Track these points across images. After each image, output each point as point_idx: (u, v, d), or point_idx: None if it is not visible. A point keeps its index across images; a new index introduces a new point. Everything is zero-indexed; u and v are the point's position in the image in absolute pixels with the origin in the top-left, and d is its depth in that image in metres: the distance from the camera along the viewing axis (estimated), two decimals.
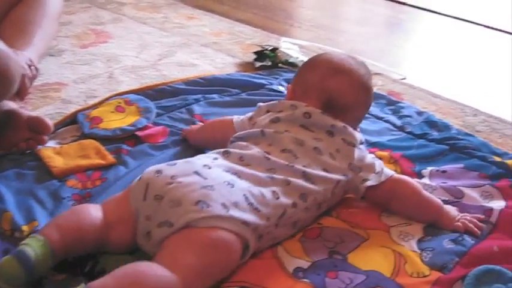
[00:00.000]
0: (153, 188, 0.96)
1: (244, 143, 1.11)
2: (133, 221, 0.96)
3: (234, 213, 0.93)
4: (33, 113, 1.32)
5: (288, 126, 1.13)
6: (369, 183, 1.09)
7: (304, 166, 1.05)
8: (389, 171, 1.13)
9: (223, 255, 0.91)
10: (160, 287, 0.85)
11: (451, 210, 1.11)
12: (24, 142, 1.26)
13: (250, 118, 1.21)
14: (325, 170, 1.07)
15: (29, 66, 1.44)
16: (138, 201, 0.96)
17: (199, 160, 1.05)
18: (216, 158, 1.06)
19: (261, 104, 1.22)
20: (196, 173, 0.98)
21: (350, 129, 1.14)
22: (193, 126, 1.36)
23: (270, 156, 1.06)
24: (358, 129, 1.21)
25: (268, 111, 1.17)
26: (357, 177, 1.10)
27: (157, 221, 0.93)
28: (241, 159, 1.06)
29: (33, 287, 0.90)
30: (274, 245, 1.02)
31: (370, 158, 1.14)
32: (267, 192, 0.99)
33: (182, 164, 1.02)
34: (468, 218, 1.09)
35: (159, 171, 0.98)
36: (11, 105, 1.31)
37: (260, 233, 0.97)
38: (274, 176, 1.03)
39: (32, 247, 0.88)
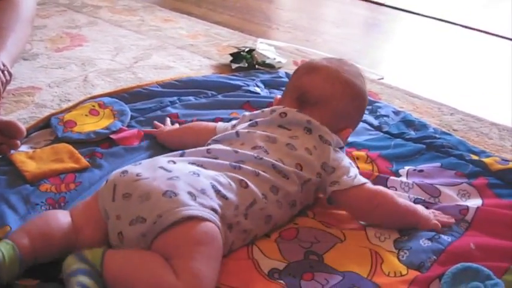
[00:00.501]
0: (120, 187, 0.95)
1: (217, 145, 1.10)
2: (102, 223, 0.95)
3: (202, 200, 0.92)
4: (6, 118, 1.30)
5: (266, 128, 1.12)
6: (337, 186, 1.07)
7: (275, 160, 1.05)
8: (363, 179, 1.09)
9: (214, 244, 0.91)
10: (159, 284, 0.85)
11: (423, 209, 1.09)
12: None
13: (233, 126, 1.20)
14: (298, 164, 1.06)
15: (2, 71, 1.42)
16: (107, 203, 0.95)
17: (165, 157, 1.05)
18: (182, 154, 1.06)
19: (245, 113, 1.22)
20: (161, 167, 0.98)
21: (326, 128, 1.13)
22: (165, 127, 1.35)
23: (238, 150, 1.06)
24: (351, 130, 1.19)
25: (250, 120, 1.17)
26: (328, 178, 1.08)
27: (128, 219, 0.92)
28: (208, 152, 1.06)
29: None
30: (249, 245, 1.01)
31: (347, 162, 1.11)
32: (234, 180, 0.99)
33: (147, 162, 1.02)
34: (437, 213, 1.10)
35: (124, 172, 0.98)
36: None
37: (229, 222, 0.96)
38: (242, 166, 1.02)
39: (0, 251, 0.86)
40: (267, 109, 1.19)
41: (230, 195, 0.97)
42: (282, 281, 0.93)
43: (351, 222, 1.09)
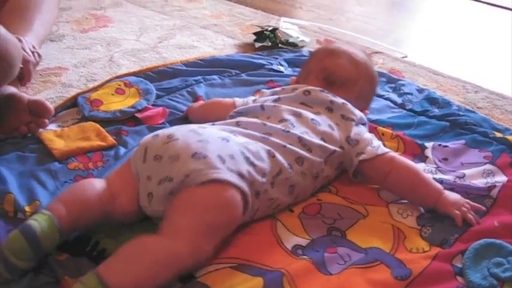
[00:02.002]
0: (151, 149, 0.97)
1: (243, 117, 1.12)
2: (135, 187, 0.97)
3: (230, 165, 0.94)
4: (34, 97, 1.32)
5: (289, 103, 1.14)
6: (363, 156, 1.09)
7: (301, 133, 1.07)
8: (386, 149, 1.11)
9: (225, 213, 0.92)
10: (163, 256, 0.85)
11: (452, 195, 1.06)
12: (25, 125, 1.26)
13: (254, 100, 1.23)
14: (322, 139, 1.08)
15: (32, 52, 1.44)
16: (139, 165, 0.98)
17: (195, 125, 1.07)
18: (213, 124, 1.09)
19: (265, 90, 1.26)
20: (192, 130, 1.00)
21: (349, 105, 1.15)
22: (194, 104, 1.37)
23: (266, 123, 1.08)
24: (367, 111, 1.24)
25: (272, 94, 1.20)
26: (353, 150, 1.10)
27: (158, 179, 0.94)
28: (238, 124, 1.09)
29: (39, 264, 0.90)
30: (273, 220, 1.03)
31: (368, 134, 1.14)
32: (262, 149, 1.01)
33: (178, 127, 1.05)
34: (468, 206, 1.05)
35: (156, 135, 1.00)
36: (12, 89, 1.31)
37: (257, 190, 0.97)
38: (270, 138, 1.04)
39: (37, 221, 0.88)
40: (287, 87, 1.22)
41: (258, 163, 0.98)
42: (306, 256, 0.95)
43: (373, 199, 1.10)
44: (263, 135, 1.04)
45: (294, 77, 1.33)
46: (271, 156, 1.01)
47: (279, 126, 1.07)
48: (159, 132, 1.02)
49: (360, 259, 0.95)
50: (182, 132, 1.00)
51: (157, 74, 1.52)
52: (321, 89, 1.17)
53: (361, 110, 1.19)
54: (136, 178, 0.98)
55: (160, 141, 0.98)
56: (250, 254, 0.95)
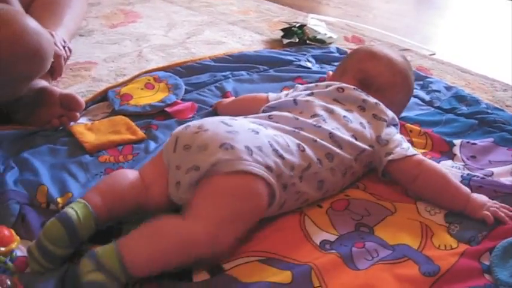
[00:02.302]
0: (182, 139, 0.99)
1: (275, 111, 1.13)
2: (167, 179, 0.99)
3: (258, 156, 0.95)
4: (65, 91, 1.35)
5: (321, 99, 1.15)
6: (392, 156, 1.08)
7: (332, 129, 1.07)
8: (415, 151, 1.11)
9: (249, 203, 0.93)
10: (180, 238, 0.87)
11: (479, 197, 1.05)
12: (57, 119, 1.29)
13: (286, 95, 1.24)
14: (353, 136, 1.08)
15: (63, 46, 1.46)
16: (169, 154, 0.99)
17: (226, 116, 1.08)
18: (245, 117, 1.10)
19: (298, 85, 1.26)
20: (222, 122, 1.01)
21: (382, 105, 1.15)
22: (224, 100, 1.38)
23: (298, 117, 1.08)
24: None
25: (305, 90, 1.21)
26: (382, 150, 1.10)
27: (186, 168, 0.95)
28: (270, 118, 1.09)
29: (74, 254, 0.92)
30: (301, 215, 1.03)
31: (399, 136, 1.14)
32: (292, 142, 1.01)
33: (209, 118, 1.07)
34: (498, 205, 1.04)
35: (187, 126, 1.01)
36: (43, 83, 1.34)
37: (284, 182, 0.98)
38: (301, 132, 1.04)
39: (73, 209, 0.90)
40: (321, 83, 1.22)
41: (287, 156, 0.99)
42: (334, 251, 0.95)
43: (401, 195, 1.10)
44: (294, 129, 1.05)
45: (330, 72, 1.33)
46: (301, 150, 1.01)
47: (310, 121, 1.08)
48: (191, 123, 1.03)
49: (388, 255, 0.95)
50: (212, 123, 1.01)
51: (186, 69, 1.54)
52: (354, 87, 1.17)
53: None
54: (167, 168, 0.99)
55: (190, 131, 0.99)
56: (278, 248, 0.96)
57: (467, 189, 1.06)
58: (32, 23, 1.20)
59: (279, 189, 0.96)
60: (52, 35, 1.40)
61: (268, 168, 0.95)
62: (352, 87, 1.17)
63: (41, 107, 1.29)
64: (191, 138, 0.98)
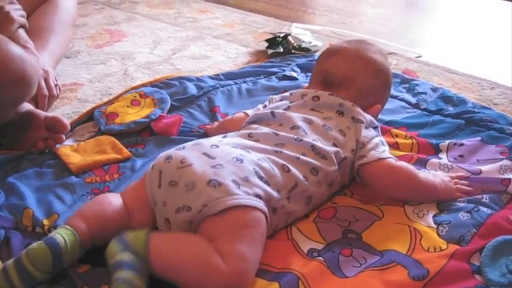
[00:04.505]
0: (166, 174, 0.97)
1: (255, 125, 1.12)
2: (151, 207, 0.98)
3: (246, 188, 0.94)
4: (51, 114, 1.35)
5: (299, 110, 1.14)
6: (363, 160, 1.08)
7: (313, 140, 1.06)
8: (389, 155, 1.10)
9: (257, 230, 0.92)
10: (208, 266, 0.86)
11: (445, 182, 1.09)
12: (43, 141, 1.28)
13: (264, 106, 1.23)
14: (334, 145, 1.08)
15: (55, 85, 1.47)
16: (154, 189, 0.98)
17: (207, 140, 1.06)
18: (224, 137, 1.09)
19: (273, 96, 1.25)
20: (205, 154, 0.99)
21: (358, 108, 1.14)
22: (212, 125, 1.36)
23: (278, 132, 1.07)
24: (379, 106, 1.21)
25: (281, 100, 1.20)
26: (357, 153, 1.09)
27: (174, 206, 0.94)
28: (250, 136, 1.08)
29: (57, 278, 0.92)
30: (288, 226, 1.03)
31: (377, 139, 1.12)
32: (275, 164, 1.00)
33: (190, 147, 1.03)
34: (458, 181, 1.11)
35: (168, 157, 0.99)
36: (28, 106, 1.34)
37: (273, 206, 0.97)
38: (283, 150, 1.03)
39: (61, 236, 0.90)
40: (296, 91, 1.21)
41: (273, 181, 0.98)
42: (321, 258, 0.95)
43: (388, 199, 1.09)
44: (275, 149, 1.04)
45: (305, 85, 1.31)
46: (286, 171, 1.00)
47: (291, 135, 1.07)
48: (172, 153, 1.00)
49: (376, 261, 0.94)
50: (195, 155, 0.98)
51: (173, 82, 1.54)
52: (329, 93, 1.16)
53: (372, 105, 1.18)
54: (152, 200, 0.98)
55: (174, 166, 0.97)
56: (267, 258, 0.95)
57: (434, 181, 1.08)
58: (15, 49, 1.20)
59: (269, 213, 0.96)
60: (47, 72, 1.42)
61: (257, 196, 0.94)
62: (327, 93, 1.16)
63: (26, 130, 1.29)
64: (176, 174, 0.96)
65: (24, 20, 1.44)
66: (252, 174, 0.96)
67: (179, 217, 0.93)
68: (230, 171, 0.95)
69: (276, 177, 0.98)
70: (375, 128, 1.16)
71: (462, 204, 1.06)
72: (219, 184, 0.92)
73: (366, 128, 1.12)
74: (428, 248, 0.97)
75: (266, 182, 0.97)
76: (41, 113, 1.32)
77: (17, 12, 1.42)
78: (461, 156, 1.22)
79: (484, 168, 1.17)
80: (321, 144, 1.06)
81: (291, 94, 1.21)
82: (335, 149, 1.07)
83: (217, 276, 0.86)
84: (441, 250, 0.96)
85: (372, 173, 1.08)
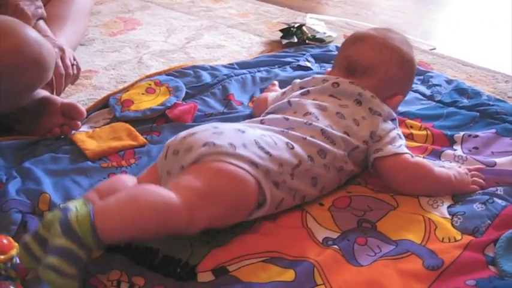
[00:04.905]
0: (171, 147, 0.99)
1: (271, 115, 1.13)
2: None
3: (241, 151, 0.95)
4: (66, 100, 1.35)
5: (317, 96, 1.15)
6: (380, 153, 1.08)
7: (324, 126, 1.06)
8: (406, 150, 1.09)
9: (231, 184, 0.92)
10: (159, 202, 0.87)
11: (461, 174, 1.09)
12: (58, 128, 1.29)
13: (283, 93, 1.24)
14: (345, 133, 1.08)
15: (72, 65, 1.47)
16: (162, 162, 1.00)
17: (218, 123, 1.09)
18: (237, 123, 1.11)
19: (296, 80, 1.24)
20: (212, 125, 1.02)
21: (378, 100, 1.14)
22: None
23: (289, 117, 1.08)
24: (401, 96, 1.20)
25: (301, 87, 1.19)
26: (373, 146, 1.09)
27: (175, 172, 0.96)
28: (262, 122, 1.10)
29: None
30: (303, 213, 1.03)
31: (395, 133, 1.12)
32: (280, 141, 1.01)
33: (201, 125, 1.06)
34: (476, 173, 1.11)
35: (177, 135, 1.02)
36: (44, 92, 1.34)
37: (275, 180, 0.97)
38: (289, 131, 1.04)
39: (73, 204, 0.86)
40: (318, 77, 1.20)
41: (274, 152, 0.98)
42: (336, 246, 0.95)
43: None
44: (283, 129, 1.05)
45: (328, 70, 1.31)
46: (290, 148, 1.01)
47: (301, 119, 1.07)
48: (182, 132, 1.03)
49: (391, 250, 0.95)
50: (201, 127, 1.02)
51: (188, 71, 1.54)
52: (350, 80, 1.16)
53: (393, 96, 1.17)
54: (160, 175, 1.00)
55: (179, 138, 1.00)
56: (281, 246, 0.96)
57: (449, 175, 1.08)
58: (32, 33, 1.21)
59: (268, 186, 0.96)
60: (63, 50, 1.42)
61: (252, 163, 0.95)
62: (348, 81, 1.15)
63: (42, 116, 1.29)
64: (179, 144, 0.98)
65: (41, 12, 1.44)
66: (252, 144, 0.97)
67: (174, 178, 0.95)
68: (229, 137, 0.97)
69: (278, 151, 0.99)
70: (393, 120, 1.15)
71: (477, 196, 1.06)
72: (214, 144, 0.94)
73: (384, 120, 1.12)
74: (443, 238, 0.98)
75: (267, 153, 0.97)
76: (58, 99, 1.33)
77: (31, 7, 1.42)
78: (475, 148, 1.22)
79: (498, 160, 1.17)
80: (331, 129, 1.06)
81: (313, 78, 1.20)
82: (346, 136, 1.07)
83: (175, 210, 0.86)
84: (456, 241, 0.97)
85: (388, 168, 1.08)
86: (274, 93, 1.28)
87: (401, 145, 1.09)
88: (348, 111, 1.11)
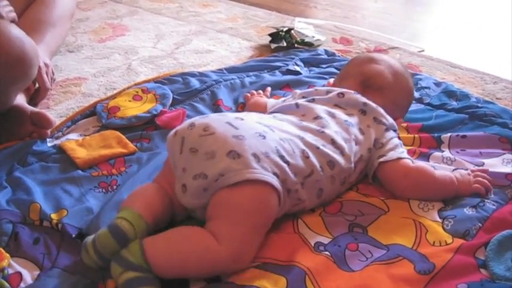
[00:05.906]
0: (188, 141, 0.98)
1: (278, 114, 1.14)
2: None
3: (265, 164, 0.95)
4: (36, 109, 1.35)
5: (323, 105, 1.16)
6: (384, 158, 1.09)
7: (334, 132, 1.07)
8: (407, 155, 1.12)
9: (263, 215, 0.95)
10: (205, 251, 0.89)
11: (463, 175, 1.11)
12: (28, 137, 1.30)
13: (284, 100, 1.25)
14: (354, 140, 1.09)
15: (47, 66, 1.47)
16: (176, 155, 0.99)
17: (232, 113, 1.09)
18: (248, 113, 1.11)
19: (296, 90, 1.27)
20: (229, 123, 1.00)
21: (382, 110, 1.16)
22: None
23: (301, 121, 1.10)
24: (401, 120, 1.25)
25: (304, 97, 1.21)
26: (376, 152, 1.11)
27: (192, 173, 0.96)
28: (274, 117, 1.10)
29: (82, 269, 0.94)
30: (294, 219, 1.03)
31: (397, 140, 1.14)
32: (297, 149, 1.01)
33: (215, 116, 1.06)
34: (479, 174, 1.11)
35: (192, 125, 1.01)
36: (17, 99, 1.34)
37: (288, 187, 0.98)
38: (305, 137, 1.04)
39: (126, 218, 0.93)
40: (321, 88, 1.23)
41: (292, 161, 0.99)
42: (327, 252, 0.95)
43: (393, 194, 1.10)
44: (298, 133, 1.05)
45: (330, 81, 1.36)
46: (306, 156, 1.01)
47: (313, 125, 1.08)
48: (195, 121, 1.02)
49: (382, 255, 0.95)
50: (218, 124, 1.00)
51: (176, 78, 1.54)
52: (354, 91, 1.18)
53: (396, 119, 1.20)
54: (173, 167, 1.00)
55: (196, 133, 0.98)
56: (273, 252, 0.96)
57: (451, 177, 1.09)
58: (15, 30, 1.21)
59: (283, 194, 0.97)
60: (47, 65, 1.43)
61: (274, 174, 0.95)
62: (352, 91, 1.18)
63: (13, 124, 1.30)
64: (198, 142, 0.97)
65: (13, 15, 1.44)
66: (273, 152, 0.97)
67: (195, 183, 0.95)
68: (251, 145, 0.96)
69: (295, 160, 1.00)
70: (395, 131, 1.17)
71: (467, 199, 1.07)
72: (238, 156, 0.94)
73: (387, 130, 1.14)
74: (434, 242, 0.98)
75: (286, 162, 0.98)
76: (28, 107, 1.33)
77: (5, 9, 1.42)
78: (463, 149, 1.23)
79: (486, 161, 1.18)
80: (340, 139, 1.07)
81: (316, 89, 1.23)
82: (353, 144, 1.08)
83: (218, 258, 0.89)
84: (446, 244, 0.97)
85: (390, 174, 1.09)
86: (274, 100, 1.29)
87: (403, 151, 1.12)
88: (354, 120, 1.13)
